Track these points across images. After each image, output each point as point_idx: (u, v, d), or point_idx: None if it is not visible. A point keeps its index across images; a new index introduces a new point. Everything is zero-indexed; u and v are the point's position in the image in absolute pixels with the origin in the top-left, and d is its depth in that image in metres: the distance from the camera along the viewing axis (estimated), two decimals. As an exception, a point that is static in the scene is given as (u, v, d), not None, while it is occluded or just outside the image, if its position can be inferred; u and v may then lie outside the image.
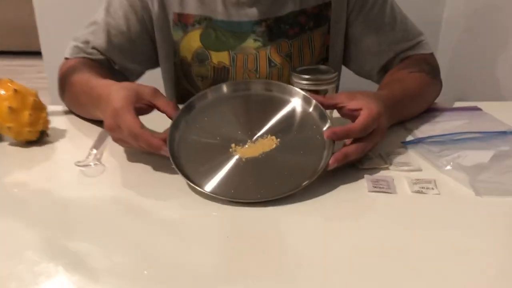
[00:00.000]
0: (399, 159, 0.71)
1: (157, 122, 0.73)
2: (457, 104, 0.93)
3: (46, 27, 1.58)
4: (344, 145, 0.67)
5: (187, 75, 0.96)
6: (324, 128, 0.67)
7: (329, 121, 0.68)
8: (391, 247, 0.53)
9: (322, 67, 0.82)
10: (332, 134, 0.65)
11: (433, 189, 0.63)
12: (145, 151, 0.67)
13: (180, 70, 0.96)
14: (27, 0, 1.83)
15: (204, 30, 0.90)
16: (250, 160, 0.66)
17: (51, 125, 0.80)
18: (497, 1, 1.26)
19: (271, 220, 0.58)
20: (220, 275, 0.49)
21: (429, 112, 0.88)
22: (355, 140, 0.66)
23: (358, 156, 0.66)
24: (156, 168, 0.69)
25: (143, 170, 0.69)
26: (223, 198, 0.61)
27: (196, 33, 0.91)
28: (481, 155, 0.69)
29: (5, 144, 0.78)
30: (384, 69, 0.95)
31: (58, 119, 0.86)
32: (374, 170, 0.68)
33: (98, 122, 0.81)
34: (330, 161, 0.63)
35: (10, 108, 0.73)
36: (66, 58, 0.91)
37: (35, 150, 0.76)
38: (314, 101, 0.70)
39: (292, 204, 0.60)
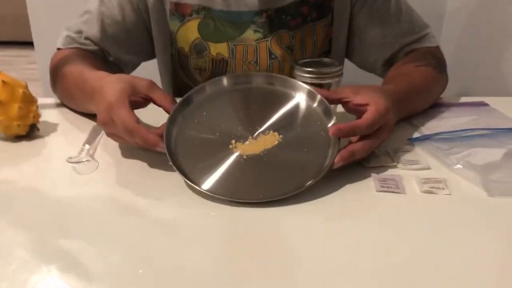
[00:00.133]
0: (406, 157, 0.68)
1: (153, 116, 0.70)
2: (463, 99, 0.91)
3: (38, 17, 1.55)
4: (350, 142, 0.64)
5: (185, 67, 0.93)
6: (329, 125, 0.64)
7: (334, 117, 0.64)
8: (400, 250, 0.50)
9: (326, 59, 0.78)
10: (338, 131, 0.62)
11: (443, 189, 0.60)
12: (140, 147, 0.64)
13: (177, 62, 0.93)
14: (18, -12, 1.78)
15: (202, 20, 0.87)
16: (251, 157, 0.63)
17: (42, 119, 0.77)
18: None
19: (272, 221, 0.55)
20: (218, 278, 0.47)
21: (435, 107, 0.86)
22: (362, 137, 0.63)
23: (365, 154, 0.63)
24: (152, 165, 0.66)
25: (139, 167, 0.66)
26: (223, 197, 0.58)
27: (194, 24, 0.87)
28: (492, 153, 0.67)
29: (-8, 139, 0.75)
30: (389, 62, 0.92)
31: (49, 113, 0.83)
32: (381, 168, 0.65)
33: (92, 116, 0.79)
34: (336, 160, 0.60)
35: (-2, 100, 0.70)
36: (58, 49, 0.88)
37: (24, 145, 0.73)
38: (318, 96, 0.66)
39: (295, 205, 0.57)
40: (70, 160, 0.66)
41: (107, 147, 0.71)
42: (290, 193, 0.58)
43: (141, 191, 0.61)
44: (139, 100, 0.66)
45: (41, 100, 0.78)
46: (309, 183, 0.59)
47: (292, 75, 0.74)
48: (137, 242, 0.52)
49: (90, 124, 0.77)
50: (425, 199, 0.59)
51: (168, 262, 0.49)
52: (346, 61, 0.98)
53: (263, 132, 0.66)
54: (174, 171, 0.61)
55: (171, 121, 0.65)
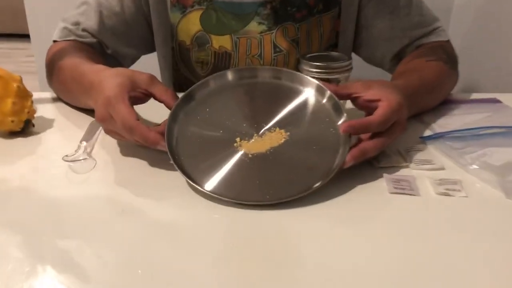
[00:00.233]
0: (419, 156, 0.65)
1: (154, 112, 0.67)
2: (474, 96, 0.87)
3: (34, 9, 1.53)
4: (359, 140, 0.61)
5: (186, 61, 0.90)
6: (339, 122, 0.61)
7: (344, 113, 0.61)
8: (416, 256, 0.47)
9: (334, 53, 0.75)
10: (349, 128, 0.59)
11: (459, 190, 0.57)
12: (140, 145, 0.61)
13: (178, 55, 0.91)
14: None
15: (205, 12, 0.84)
16: (257, 156, 0.60)
17: (37, 114, 0.74)
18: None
19: (278, 225, 0.52)
20: (219, 283, 0.44)
21: (445, 104, 0.83)
22: (373, 135, 0.60)
23: (377, 153, 0.60)
24: (152, 163, 0.64)
25: (138, 165, 0.64)
26: (226, 199, 0.55)
27: (195, 15, 0.84)
28: (509, 153, 0.64)
29: (-15, 136, 0.72)
30: (397, 57, 0.89)
31: (45, 108, 0.80)
32: (393, 169, 0.62)
33: (89, 112, 0.76)
34: (347, 158, 0.57)
35: (-10, 95, 0.68)
36: (55, 41, 0.86)
37: (18, 142, 0.71)
38: (328, 91, 0.63)
39: (303, 208, 0.55)
40: (66, 158, 0.64)
41: (105, 144, 0.68)
42: (298, 194, 0.55)
43: (141, 191, 0.58)
44: (139, 95, 0.63)
45: (36, 95, 0.75)
46: (318, 184, 0.56)
47: (297, 70, 0.71)
48: (136, 244, 0.49)
49: (87, 120, 0.74)
50: (440, 202, 0.56)
51: (167, 265, 0.46)
52: (353, 55, 0.95)
53: (269, 129, 0.63)
54: (176, 170, 0.58)
55: (172, 118, 0.62)
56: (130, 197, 0.57)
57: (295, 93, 0.66)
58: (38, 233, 0.51)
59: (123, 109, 0.58)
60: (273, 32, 0.85)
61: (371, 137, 0.60)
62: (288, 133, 0.62)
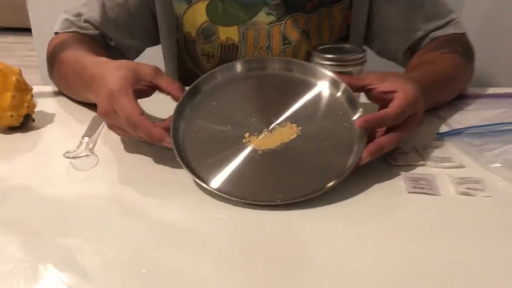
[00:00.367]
0: (436, 153, 0.62)
1: (158, 106, 0.64)
2: (491, 91, 0.84)
3: (36, 2, 1.51)
4: (374, 135, 0.58)
5: (191, 54, 0.88)
6: (355, 117, 0.58)
7: (359, 107, 0.58)
8: (438, 260, 0.44)
9: (347, 45, 0.72)
10: (365, 123, 0.56)
11: (482, 190, 0.54)
12: (144, 141, 0.59)
13: (183, 48, 0.88)
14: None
15: (211, 2, 0.81)
16: (267, 152, 0.57)
17: (37, 109, 0.72)
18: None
19: (290, 226, 0.50)
20: (226, 285, 0.42)
21: (461, 99, 0.80)
22: (389, 129, 0.58)
23: (393, 147, 0.57)
24: (157, 160, 0.61)
25: (142, 163, 0.61)
26: (235, 199, 0.52)
27: (201, 5, 0.81)
28: (532, 150, 0.61)
29: (-17, 131, 0.70)
30: (411, 50, 0.86)
31: (46, 102, 0.78)
32: (409, 167, 0.59)
33: (92, 106, 0.74)
34: (363, 155, 0.54)
35: (-12, 89, 0.66)
36: (56, 33, 0.83)
37: (18, 137, 0.69)
38: (343, 84, 0.60)
39: (316, 208, 0.52)
40: (67, 154, 0.61)
41: (108, 140, 0.66)
42: (311, 194, 0.52)
43: (145, 189, 0.56)
44: (143, 88, 0.61)
45: (36, 89, 0.73)
46: (332, 183, 0.53)
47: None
48: (140, 243, 0.47)
49: (90, 115, 0.72)
50: (462, 202, 0.53)
51: (171, 265, 0.44)
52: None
53: (280, 124, 0.60)
54: (182, 168, 0.55)
55: (178, 113, 0.59)
56: (134, 195, 0.55)
57: (307, 85, 0.62)
58: (38, 232, 0.49)
59: (126, 103, 0.56)
60: (282, 23, 0.82)
61: (386, 131, 0.57)
62: (300, 128, 0.59)
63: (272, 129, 0.59)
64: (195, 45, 0.86)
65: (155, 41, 0.90)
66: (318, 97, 0.62)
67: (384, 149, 0.56)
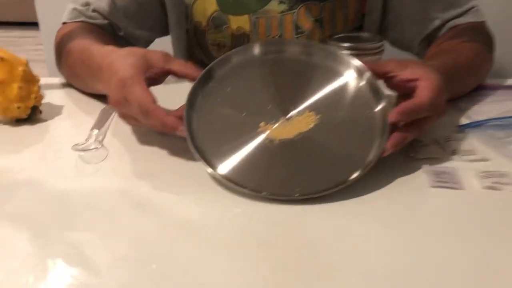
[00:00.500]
0: (459, 146, 0.60)
1: (169, 98, 0.62)
2: (511, 82, 0.82)
3: None
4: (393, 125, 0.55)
5: (201, 44, 0.86)
6: (378, 107, 0.55)
7: (384, 97, 0.56)
8: (464, 256, 0.43)
9: (364, 34, 0.70)
10: (401, 115, 0.53)
11: (509, 184, 0.52)
12: (157, 131, 0.58)
13: (193, 38, 0.86)
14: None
15: None
16: (284, 142, 0.55)
17: (45, 101, 0.71)
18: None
19: (306, 222, 0.48)
20: (239, 284, 0.40)
21: (480, 90, 0.78)
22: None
23: (415, 137, 0.55)
24: (170, 153, 0.59)
25: (154, 155, 0.60)
26: (252, 192, 0.50)
27: (212, -6, 0.80)
28: (559, 143, 0.58)
29: (-10, 123, 0.69)
30: (427, 39, 0.84)
31: (53, 93, 0.77)
32: (431, 160, 0.57)
33: (101, 97, 0.72)
34: (387, 145, 0.52)
35: (-5, 80, 0.65)
36: (64, 23, 0.82)
37: (25, 130, 0.67)
38: (367, 71, 0.57)
39: (334, 203, 0.50)
40: (76, 147, 0.60)
41: (118, 132, 0.64)
42: (332, 188, 0.50)
43: (156, 183, 0.54)
44: (154, 76, 0.59)
45: (44, 80, 0.72)
46: (356, 175, 0.50)
47: None
48: (151, 238, 0.46)
49: (98, 106, 0.71)
50: (488, 197, 0.51)
51: (182, 262, 0.43)
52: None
53: (297, 112, 0.57)
54: (195, 159, 0.54)
55: (190, 100, 0.57)
56: (145, 189, 0.54)
57: (328, 71, 0.59)
58: (47, 227, 0.48)
59: (138, 90, 0.54)
60: (294, 12, 0.80)
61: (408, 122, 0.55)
62: (319, 117, 0.56)
63: (290, 117, 0.57)
64: (205, 35, 0.84)
65: (164, 31, 0.88)
66: (338, 84, 0.59)
67: (407, 139, 0.54)
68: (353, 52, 0.64)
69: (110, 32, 0.81)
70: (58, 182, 0.55)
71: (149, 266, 0.42)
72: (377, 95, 0.56)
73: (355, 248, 0.44)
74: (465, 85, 0.75)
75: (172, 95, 0.61)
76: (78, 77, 0.74)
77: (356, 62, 0.58)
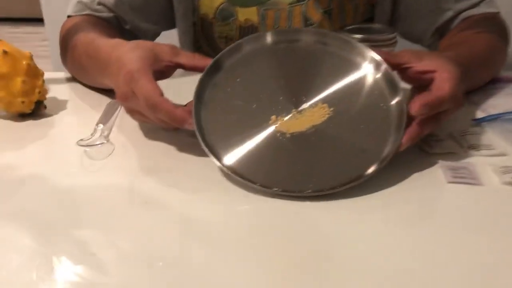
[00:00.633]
0: (475, 140, 0.58)
1: (176, 93, 0.61)
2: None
3: None
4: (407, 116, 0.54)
5: (208, 37, 0.85)
6: (394, 100, 0.53)
7: (400, 90, 0.54)
8: (485, 254, 0.41)
9: (376, 25, 0.68)
10: (424, 108, 0.51)
11: (529, 180, 0.50)
12: (164, 127, 0.57)
13: (199, 31, 0.85)
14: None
15: None
16: (296, 136, 0.53)
17: (49, 95, 0.70)
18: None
19: (322, 220, 0.46)
20: (247, 283, 0.39)
21: (494, 83, 0.76)
22: None
23: (432, 130, 0.53)
24: (177, 149, 0.58)
25: (160, 151, 0.58)
26: (262, 188, 0.49)
27: (219, -14, 0.78)
28: None
29: (-7, 118, 0.68)
30: (439, 31, 0.82)
31: (58, 88, 0.76)
32: (447, 155, 0.55)
33: (106, 92, 0.72)
34: (404, 140, 0.51)
35: (-2, 73, 0.63)
36: (69, 16, 0.81)
37: (29, 125, 0.66)
38: (383, 62, 0.55)
39: (347, 199, 0.48)
40: (81, 142, 0.59)
41: (124, 127, 0.63)
42: (347, 184, 0.48)
43: (163, 179, 0.53)
44: (162, 69, 0.58)
45: (48, 74, 0.71)
46: (371, 170, 0.49)
47: None
48: (157, 236, 0.45)
49: (104, 101, 0.70)
50: (508, 192, 0.49)
51: (189, 259, 0.42)
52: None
53: (310, 104, 0.55)
54: (203, 155, 0.52)
55: (199, 92, 0.56)
56: (151, 185, 0.52)
57: (343, 61, 0.57)
58: (51, 223, 0.47)
59: (146, 84, 0.53)
60: (303, 3, 0.79)
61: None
62: (332, 109, 0.55)
63: (302, 109, 0.55)
64: (212, 27, 0.83)
65: (170, 25, 0.87)
66: (354, 75, 0.57)
67: (423, 132, 0.52)
68: (366, 43, 0.62)
69: (116, 25, 0.80)
70: (63, 178, 0.54)
71: (155, 264, 0.41)
72: (393, 88, 0.54)
73: (370, 246, 0.42)
74: (481, 78, 0.73)
75: (179, 89, 0.60)
76: (84, 71, 0.73)
77: (373, 53, 0.56)
